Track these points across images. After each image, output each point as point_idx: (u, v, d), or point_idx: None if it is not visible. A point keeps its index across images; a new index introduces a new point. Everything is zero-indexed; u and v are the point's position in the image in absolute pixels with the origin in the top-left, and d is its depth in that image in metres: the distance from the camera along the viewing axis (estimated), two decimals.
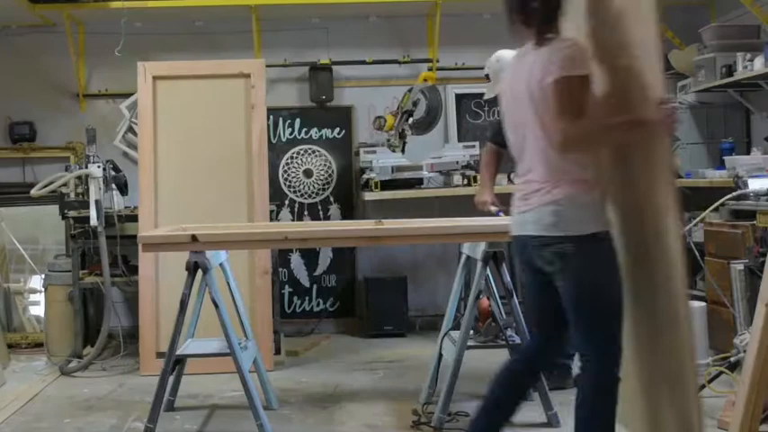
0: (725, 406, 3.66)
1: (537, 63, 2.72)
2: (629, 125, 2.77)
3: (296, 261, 6.35)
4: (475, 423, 2.99)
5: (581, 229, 2.71)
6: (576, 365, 2.86)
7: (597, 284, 2.75)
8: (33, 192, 5.21)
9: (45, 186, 5.23)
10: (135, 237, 4.08)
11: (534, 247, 2.80)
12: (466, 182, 5.84)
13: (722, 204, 4.68)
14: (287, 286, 6.34)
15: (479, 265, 3.84)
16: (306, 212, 6.37)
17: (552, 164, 2.73)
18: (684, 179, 5.72)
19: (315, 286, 6.35)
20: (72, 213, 5.35)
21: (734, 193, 4.57)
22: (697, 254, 4.89)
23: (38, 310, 5.88)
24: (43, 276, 5.69)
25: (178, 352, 3.90)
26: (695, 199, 5.37)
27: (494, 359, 4.43)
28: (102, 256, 5.16)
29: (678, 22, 6.34)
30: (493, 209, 4.33)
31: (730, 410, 3.34)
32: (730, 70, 5.40)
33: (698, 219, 4.53)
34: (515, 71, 2.87)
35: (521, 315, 3.93)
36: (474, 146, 6.04)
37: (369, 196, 5.77)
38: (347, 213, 6.34)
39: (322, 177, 6.36)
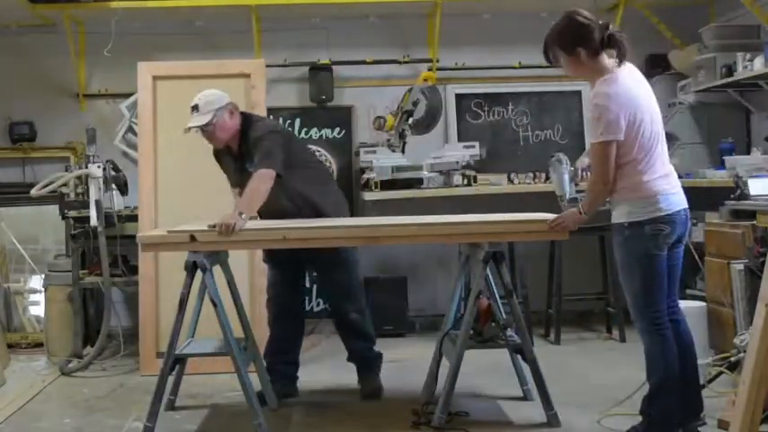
0: (725, 406, 3.66)
1: None
2: None
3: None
4: None
5: None
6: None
7: None
8: (33, 192, 5.21)
9: (45, 186, 5.22)
10: (135, 237, 4.08)
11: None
12: (466, 182, 5.84)
13: (722, 204, 4.69)
14: None
15: (479, 265, 3.84)
16: None
17: None
18: (684, 179, 5.73)
19: (315, 286, 6.34)
20: (72, 213, 5.35)
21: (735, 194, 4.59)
22: (695, 254, 4.89)
23: (38, 310, 5.88)
24: (43, 276, 5.69)
25: (177, 352, 3.90)
26: (695, 199, 5.38)
27: (494, 359, 4.46)
28: (102, 256, 5.16)
29: (678, 22, 6.35)
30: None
31: (730, 410, 3.34)
32: (730, 70, 5.41)
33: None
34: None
35: (521, 315, 3.93)
36: (474, 146, 6.04)
37: (369, 196, 5.76)
38: None
39: None
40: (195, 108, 4.16)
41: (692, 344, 3.53)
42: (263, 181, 4.01)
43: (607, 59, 3.36)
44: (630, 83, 3.36)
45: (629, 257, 3.39)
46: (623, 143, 3.29)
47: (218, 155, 4.42)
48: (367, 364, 4.50)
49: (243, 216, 3.83)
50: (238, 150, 4.28)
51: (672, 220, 3.34)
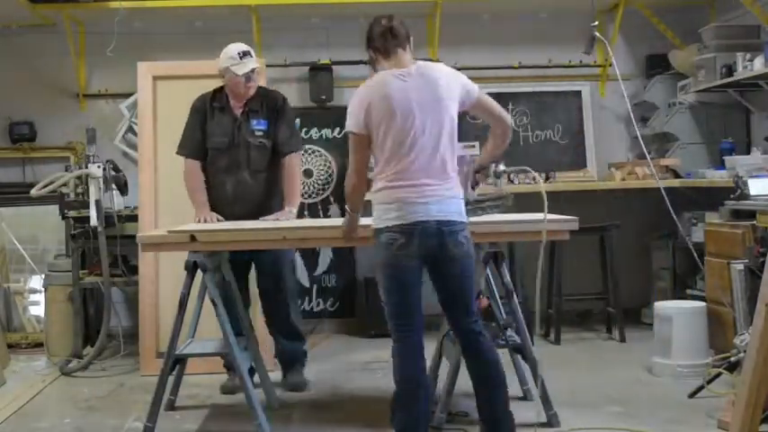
0: (725, 406, 3.67)
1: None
2: None
3: (296, 261, 6.35)
4: None
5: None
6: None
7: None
8: (33, 192, 5.20)
9: (45, 186, 5.22)
10: (135, 237, 4.08)
11: (451, 232, 3.15)
12: None
13: (722, 204, 4.69)
14: None
15: (479, 265, 3.84)
16: (306, 212, 6.36)
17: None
18: (684, 179, 5.74)
19: (315, 286, 6.35)
20: (72, 213, 5.35)
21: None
22: (695, 254, 4.89)
23: (38, 310, 5.88)
24: (43, 276, 5.69)
25: (177, 352, 3.90)
26: (695, 199, 5.39)
27: None
28: (102, 256, 5.16)
29: (678, 22, 6.35)
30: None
31: (730, 410, 3.35)
32: (730, 70, 5.41)
33: None
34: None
35: (521, 315, 3.93)
36: (474, 146, 6.03)
37: (369, 196, 5.75)
38: None
39: (322, 177, 6.36)
40: (248, 53, 4.45)
41: (490, 375, 3.27)
42: (300, 166, 4.46)
43: (400, 58, 3.46)
44: (391, 82, 3.27)
45: (375, 265, 3.29)
46: (372, 143, 3.24)
47: (205, 110, 4.53)
48: (297, 360, 4.67)
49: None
50: (243, 106, 4.45)
51: (409, 232, 3.11)
